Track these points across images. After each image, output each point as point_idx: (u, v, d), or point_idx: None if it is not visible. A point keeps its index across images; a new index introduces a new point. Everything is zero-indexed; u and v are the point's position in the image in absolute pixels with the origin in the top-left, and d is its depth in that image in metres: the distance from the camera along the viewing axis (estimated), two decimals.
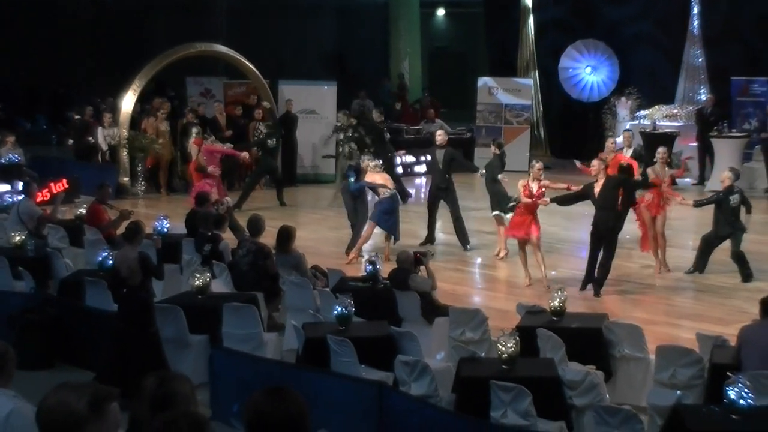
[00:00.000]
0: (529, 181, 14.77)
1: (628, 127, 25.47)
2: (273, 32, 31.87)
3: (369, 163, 16.89)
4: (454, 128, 26.85)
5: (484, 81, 27.90)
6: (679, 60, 26.33)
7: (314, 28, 33.81)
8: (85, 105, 25.00)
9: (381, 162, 17.42)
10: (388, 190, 16.39)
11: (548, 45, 28.93)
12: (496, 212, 16.65)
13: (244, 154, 20.44)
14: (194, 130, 21.38)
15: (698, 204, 15.30)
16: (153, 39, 28.49)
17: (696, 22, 25.90)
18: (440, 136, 17.59)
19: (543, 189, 14.76)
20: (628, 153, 17.30)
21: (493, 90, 27.54)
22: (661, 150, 15.86)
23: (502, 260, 16.47)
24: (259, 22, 31.55)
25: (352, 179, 16.60)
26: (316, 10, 34.17)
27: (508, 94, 27.46)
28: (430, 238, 17.39)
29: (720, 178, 15.35)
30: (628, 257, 16.27)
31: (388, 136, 22.37)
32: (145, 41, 28.61)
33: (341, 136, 21.85)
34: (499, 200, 16.58)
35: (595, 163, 14.38)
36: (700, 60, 26.01)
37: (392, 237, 16.49)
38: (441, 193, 17.21)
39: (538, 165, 15.05)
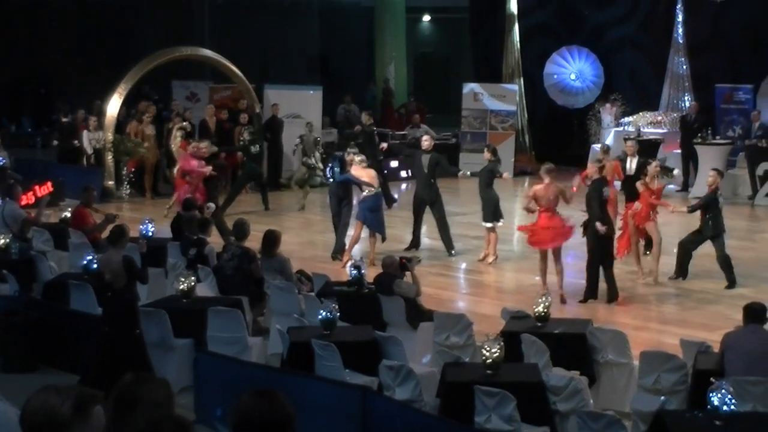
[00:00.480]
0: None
1: (612, 134, 25.65)
2: (257, 36, 31.85)
3: (354, 157, 16.83)
4: (439, 133, 26.86)
5: (469, 86, 27.92)
6: (664, 67, 26.43)
7: (299, 32, 33.80)
8: (70, 107, 24.97)
9: (365, 157, 17.32)
10: (373, 188, 16.37)
11: (533, 51, 28.98)
12: (489, 223, 16.57)
13: (207, 169, 19.66)
14: (179, 133, 21.32)
15: (693, 209, 15.35)
16: (136, 40, 28.47)
17: (680, 30, 26.00)
18: (426, 141, 17.60)
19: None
20: (633, 162, 17.08)
21: (478, 95, 27.57)
22: (655, 164, 15.79)
23: (490, 265, 16.47)
24: (243, 25, 31.53)
25: (337, 169, 16.56)
26: (301, 13, 34.18)
27: (493, 99, 27.49)
28: (415, 243, 17.40)
29: (707, 182, 15.36)
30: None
31: (377, 139, 22.21)
32: (128, 42, 28.59)
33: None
34: (493, 208, 16.51)
35: (590, 167, 14.39)
36: (684, 68, 26.10)
37: (379, 236, 16.47)
38: (426, 197, 17.19)
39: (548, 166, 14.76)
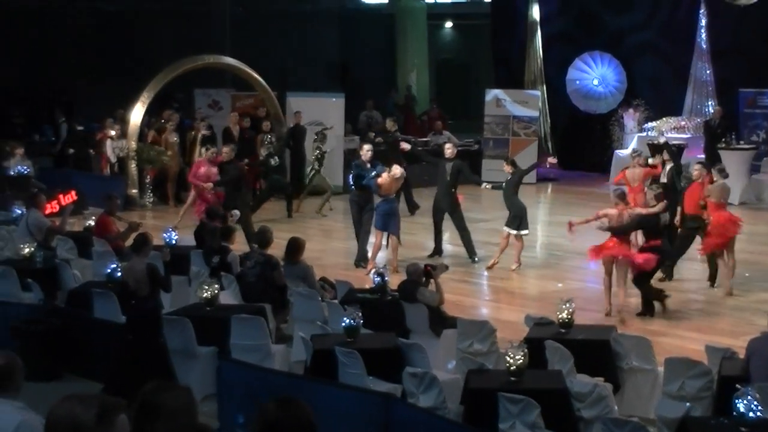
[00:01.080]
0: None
1: (635, 139, 25.55)
2: (277, 43, 31.90)
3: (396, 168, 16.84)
4: (461, 140, 26.85)
5: (492, 92, 27.89)
6: (687, 72, 26.34)
7: (319, 39, 33.84)
8: (86, 115, 25.27)
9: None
10: (383, 197, 16.39)
11: (555, 57, 28.99)
12: (510, 229, 16.52)
13: (207, 185, 19.27)
14: (203, 149, 21.23)
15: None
16: (155, 48, 28.54)
17: (703, 35, 25.91)
18: (449, 149, 17.54)
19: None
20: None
21: (501, 101, 27.54)
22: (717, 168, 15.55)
23: (513, 272, 16.42)
24: (263, 33, 31.59)
25: (374, 172, 16.49)
26: (321, 20, 34.21)
27: (516, 105, 27.46)
28: (437, 250, 17.37)
29: (694, 176, 15.34)
30: None
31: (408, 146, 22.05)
32: (147, 50, 28.67)
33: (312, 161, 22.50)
34: (519, 216, 16.46)
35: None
36: (708, 73, 26.00)
37: (397, 239, 16.44)
38: (445, 206, 17.15)
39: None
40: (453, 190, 17.14)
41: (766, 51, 25.35)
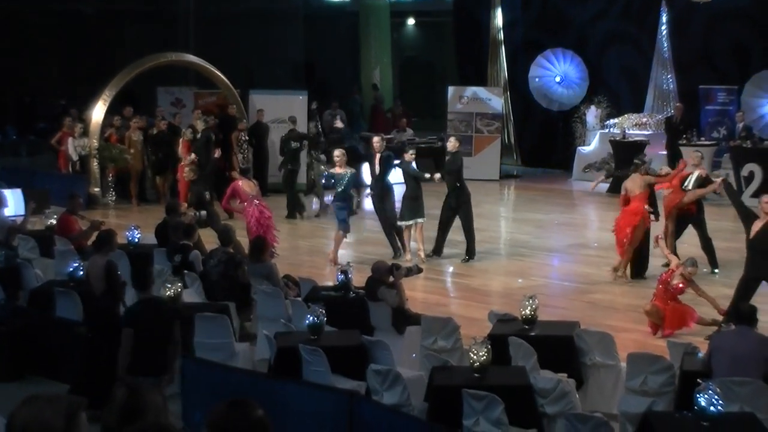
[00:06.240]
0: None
1: (597, 136, 25.65)
2: (241, 41, 31.82)
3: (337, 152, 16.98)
4: (425, 137, 26.96)
5: (455, 89, 27.93)
6: (649, 68, 26.47)
7: (284, 38, 33.77)
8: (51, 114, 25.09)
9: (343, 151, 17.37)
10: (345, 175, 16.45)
11: (518, 55, 29.08)
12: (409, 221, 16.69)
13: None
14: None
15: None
16: (120, 47, 28.42)
17: (664, 32, 26.02)
18: (451, 143, 17.45)
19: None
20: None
21: (464, 99, 27.56)
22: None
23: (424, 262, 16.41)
24: (227, 31, 31.52)
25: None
26: (286, 19, 34.14)
27: (479, 102, 27.50)
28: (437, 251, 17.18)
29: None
30: (597, 265, 16.34)
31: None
32: (112, 49, 28.52)
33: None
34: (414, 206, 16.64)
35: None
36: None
37: (343, 232, 16.48)
38: (453, 203, 16.97)
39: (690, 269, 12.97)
40: (458, 184, 16.87)
41: (727, 59, 25.55)
